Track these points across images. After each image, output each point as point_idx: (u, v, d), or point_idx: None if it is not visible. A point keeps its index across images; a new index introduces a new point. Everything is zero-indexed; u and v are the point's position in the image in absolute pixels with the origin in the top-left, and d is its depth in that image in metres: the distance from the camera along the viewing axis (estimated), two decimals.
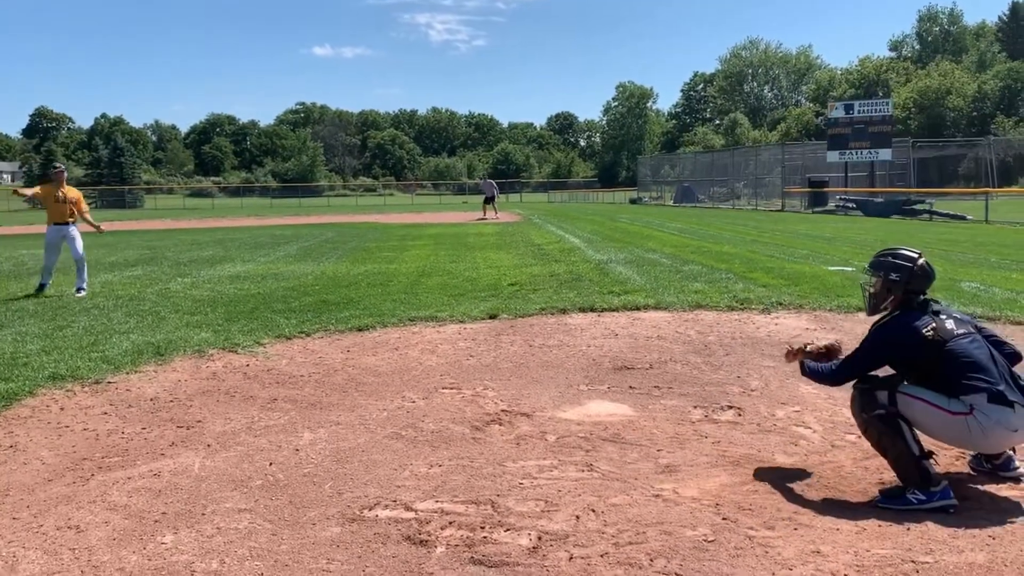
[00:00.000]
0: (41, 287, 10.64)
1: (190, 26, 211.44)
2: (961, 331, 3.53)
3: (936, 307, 3.65)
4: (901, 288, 3.63)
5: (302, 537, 3.20)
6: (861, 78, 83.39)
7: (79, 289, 10.33)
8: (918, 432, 3.49)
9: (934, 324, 3.51)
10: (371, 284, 10.68)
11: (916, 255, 3.68)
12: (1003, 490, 3.56)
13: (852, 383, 3.67)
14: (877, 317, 3.76)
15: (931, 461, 3.45)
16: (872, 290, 3.74)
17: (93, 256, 11.68)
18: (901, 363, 3.62)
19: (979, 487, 3.60)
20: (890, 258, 3.72)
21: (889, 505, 3.38)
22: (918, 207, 28.62)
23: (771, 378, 5.59)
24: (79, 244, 10.70)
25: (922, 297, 3.66)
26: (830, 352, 3.87)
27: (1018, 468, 3.68)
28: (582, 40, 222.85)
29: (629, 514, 3.35)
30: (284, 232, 25.16)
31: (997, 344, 3.64)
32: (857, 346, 3.75)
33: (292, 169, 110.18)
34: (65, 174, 11.01)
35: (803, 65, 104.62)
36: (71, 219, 10.78)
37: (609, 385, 5.51)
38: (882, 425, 3.46)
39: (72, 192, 10.95)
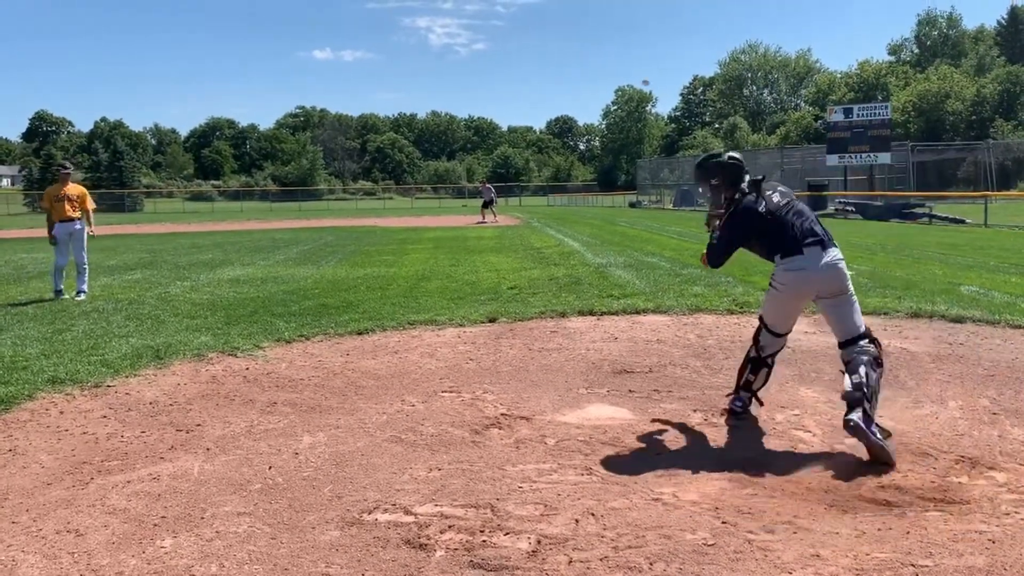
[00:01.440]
0: (58, 293, 10.35)
1: (189, 30, 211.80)
2: (784, 202, 4.22)
3: (764, 185, 4.28)
4: (724, 183, 4.32)
5: (301, 541, 3.20)
6: (860, 82, 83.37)
7: (79, 292, 10.34)
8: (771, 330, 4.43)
9: (764, 201, 4.22)
10: (371, 288, 10.68)
11: (718, 152, 4.45)
12: (1003, 494, 3.56)
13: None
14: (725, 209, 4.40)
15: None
16: (708, 194, 4.44)
17: (92, 259, 11.66)
18: (756, 241, 4.29)
19: (978, 491, 3.60)
20: (700, 168, 4.38)
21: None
22: (917, 210, 28.64)
23: (770, 382, 5.58)
24: (84, 247, 10.71)
25: (748, 178, 4.29)
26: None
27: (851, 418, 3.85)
28: (581, 44, 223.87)
29: (628, 518, 3.35)
30: (284, 236, 25.17)
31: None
32: (718, 234, 4.40)
33: (292, 173, 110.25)
34: (71, 175, 11.04)
35: (802, 69, 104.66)
36: (76, 215, 10.76)
37: (608, 389, 5.50)
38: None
39: (76, 189, 10.94)
